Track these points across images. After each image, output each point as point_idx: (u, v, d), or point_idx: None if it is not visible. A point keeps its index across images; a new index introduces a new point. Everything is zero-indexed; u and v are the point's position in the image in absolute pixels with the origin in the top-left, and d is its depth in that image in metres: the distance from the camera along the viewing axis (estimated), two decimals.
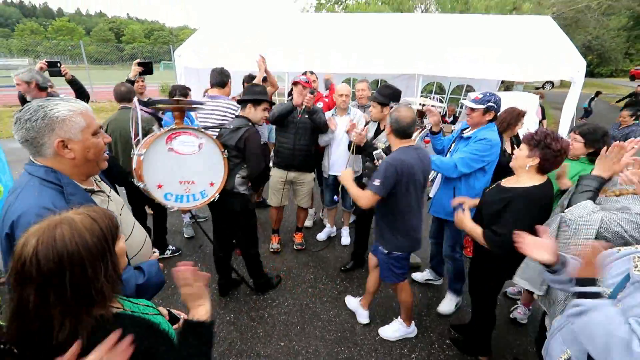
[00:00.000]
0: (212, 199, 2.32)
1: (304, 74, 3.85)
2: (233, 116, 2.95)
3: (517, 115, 2.81)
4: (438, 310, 2.82)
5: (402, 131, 2.07)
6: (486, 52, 4.82)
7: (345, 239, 3.81)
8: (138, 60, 3.50)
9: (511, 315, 2.79)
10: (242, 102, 2.63)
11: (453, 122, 6.38)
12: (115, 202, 1.34)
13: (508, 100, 4.95)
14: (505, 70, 4.73)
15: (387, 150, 2.76)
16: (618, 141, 1.61)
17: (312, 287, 3.09)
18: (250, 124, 2.51)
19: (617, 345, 0.94)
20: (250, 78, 4.03)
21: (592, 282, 1.11)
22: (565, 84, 5.11)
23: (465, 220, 1.98)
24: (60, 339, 0.75)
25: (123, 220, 1.31)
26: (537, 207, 1.75)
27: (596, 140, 2.13)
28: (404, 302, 2.46)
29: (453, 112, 6.95)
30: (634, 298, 1.03)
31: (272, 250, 3.59)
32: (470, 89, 6.91)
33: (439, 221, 2.83)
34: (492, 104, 2.38)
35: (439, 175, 2.71)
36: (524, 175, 1.81)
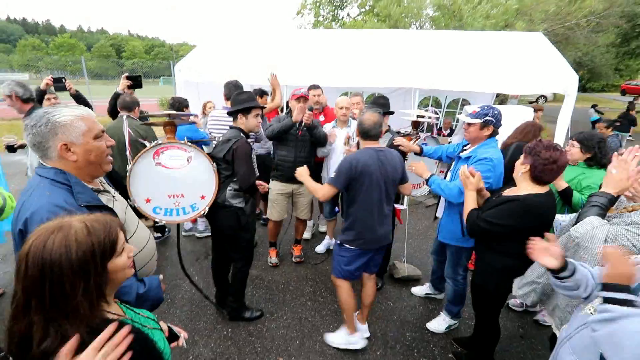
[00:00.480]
0: (202, 213, 2.31)
1: (310, 88, 3.87)
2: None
3: (539, 128, 2.90)
4: (427, 325, 2.74)
5: (365, 132, 2.21)
6: (481, 67, 4.93)
7: None
8: (126, 74, 3.50)
9: (535, 317, 2.87)
10: (231, 113, 2.53)
11: (449, 135, 6.45)
12: (119, 202, 1.39)
13: (504, 113, 5.04)
14: (500, 84, 4.82)
15: None
16: (615, 152, 1.63)
17: (311, 301, 3.03)
18: (241, 134, 2.44)
19: None
20: (261, 92, 4.09)
21: (623, 288, 1.05)
22: (558, 98, 5.21)
23: (471, 180, 1.99)
24: (42, 346, 0.74)
25: (127, 219, 1.36)
26: (533, 215, 1.73)
27: (592, 147, 2.28)
28: (342, 303, 2.45)
29: (449, 125, 7.05)
30: None
31: (270, 264, 3.54)
32: (466, 102, 7.02)
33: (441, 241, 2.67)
34: (490, 118, 2.20)
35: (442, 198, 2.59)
36: (523, 185, 1.82)
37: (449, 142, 5.72)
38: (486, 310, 2.12)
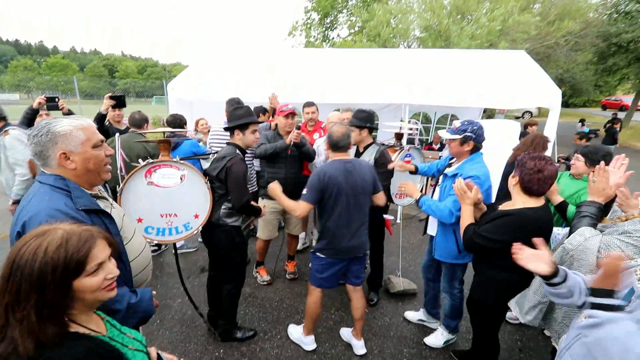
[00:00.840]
0: (194, 232, 2.27)
1: (305, 105, 3.93)
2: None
3: (546, 140, 2.97)
4: (424, 340, 2.68)
5: (333, 144, 2.27)
6: (468, 83, 5.09)
7: None
8: (110, 94, 3.47)
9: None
10: (228, 129, 2.48)
11: (440, 149, 6.57)
12: (117, 209, 1.43)
13: (490, 127, 5.17)
14: (487, 99, 4.97)
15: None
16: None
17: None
18: (237, 151, 2.36)
19: None
20: (264, 110, 4.15)
21: (609, 293, 1.06)
22: (543, 113, 5.40)
23: (468, 194, 1.94)
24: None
25: (124, 226, 1.40)
26: (528, 230, 1.68)
27: (596, 160, 2.26)
28: (307, 307, 2.48)
29: (439, 140, 7.18)
30: None
31: (263, 282, 3.46)
32: (454, 117, 7.20)
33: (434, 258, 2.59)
34: (470, 134, 2.18)
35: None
36: (517, 198, 1.82)
37: (440, 157, 5.82)
38: (485, 326, 2.08)
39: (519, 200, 1.79)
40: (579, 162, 2.41)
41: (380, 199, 2.43)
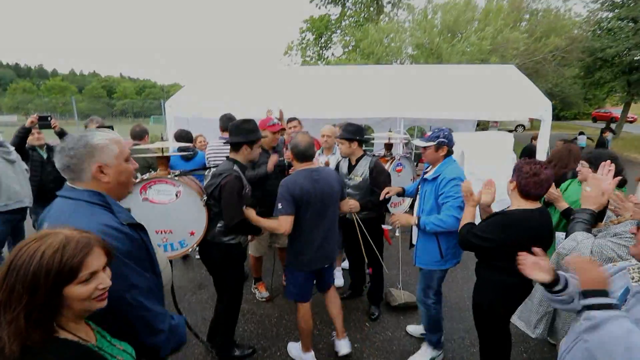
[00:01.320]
0: (190, 249, 2.24)
1: (289, 120, 3.95)
2: None
3: (578, 151, 2.97)
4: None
5: (298, 154, 2.28)
6: (460, 96, 5.22)
7: (339, 281, 3.67)
8: (37, 114, 3.47)
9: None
10: (236, 144, 2.35)
11: None
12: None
13: (485, 139, 5.26)
14: (480, 111, 5.08)
15: (362, 184, 2.82)
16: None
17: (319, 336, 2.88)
18: (234, 168, 2.27)
19: None
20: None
21: (601, 293, 1.05)
22: (535, 126, 5.51)
23: (474, 197, 2.05)
24: None
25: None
26: (517, 229, 1.73)
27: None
28: (298, 324, 2.46)
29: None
30: (637, 309, 1.02)
31: (262, 299, 3.39)
32: (450, 131, 7.31)
33: None
34: (443, 139, 2.29)
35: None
36: (514, 201, 1.86)
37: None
38: (485, 331, 2.05)
39: (516, 203, 1.84)
40: (584, 169, 2.35)
41: (344, 205, 2.51)
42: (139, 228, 1.22)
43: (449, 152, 2.35)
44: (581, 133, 12.05)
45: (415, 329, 2.92)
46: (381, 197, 2.69)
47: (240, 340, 2.74)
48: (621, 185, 2.03)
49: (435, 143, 2.28)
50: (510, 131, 18.06)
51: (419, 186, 2.57)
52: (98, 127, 3.57)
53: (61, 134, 3.68)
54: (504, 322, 1.99)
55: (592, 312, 1.02)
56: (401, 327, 3.00)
